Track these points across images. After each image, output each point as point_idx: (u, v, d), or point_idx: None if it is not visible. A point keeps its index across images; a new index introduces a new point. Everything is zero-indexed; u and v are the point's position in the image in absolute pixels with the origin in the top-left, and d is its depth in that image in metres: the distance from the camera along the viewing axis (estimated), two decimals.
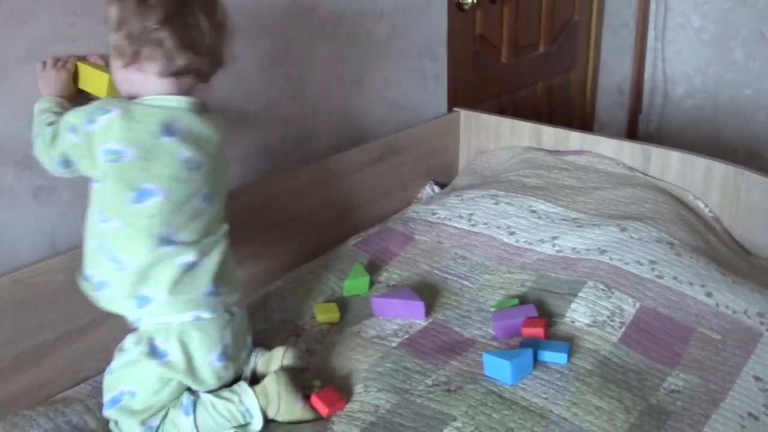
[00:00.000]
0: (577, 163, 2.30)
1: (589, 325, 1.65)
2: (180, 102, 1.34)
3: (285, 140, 2.04)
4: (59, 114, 1.39)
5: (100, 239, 1.35)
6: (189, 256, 1.35)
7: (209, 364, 1.37)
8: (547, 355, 1.54)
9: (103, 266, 1.35)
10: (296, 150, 2.08)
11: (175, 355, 1.35)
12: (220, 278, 1.40)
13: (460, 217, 2.09)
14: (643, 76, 3.73)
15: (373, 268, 1.92)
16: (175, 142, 1.32)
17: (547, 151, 2.38)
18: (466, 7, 2.57)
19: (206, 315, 1.37)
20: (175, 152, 1.32)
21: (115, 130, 1.28)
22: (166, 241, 1.33)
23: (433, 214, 2.13)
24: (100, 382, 1.50)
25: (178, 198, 1.34)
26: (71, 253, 1.53)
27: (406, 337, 1.65)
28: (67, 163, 1.35)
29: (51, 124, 1.36)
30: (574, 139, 2.37)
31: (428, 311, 1.73)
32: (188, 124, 1.34)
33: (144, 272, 1.33)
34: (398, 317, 1.72)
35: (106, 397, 1.37)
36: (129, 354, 1.36)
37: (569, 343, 1.57)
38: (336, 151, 2.17)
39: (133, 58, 1.31)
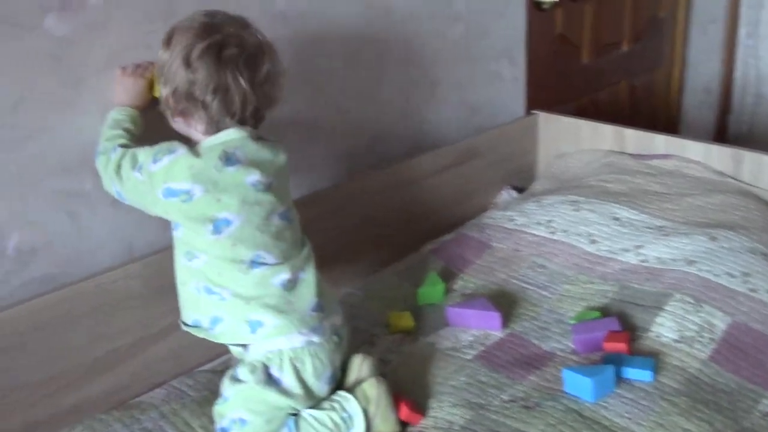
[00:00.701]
0: (662, 167, 2.20)
1: (676, 341, 1.56)
2: (236, 133, 1.35)
3: (358, 145, 2.02)
4: (129, 132, 1.41)
5: (195, 279, 1.36)
6: (284, 275, 1.36)
7: (320, 388, 1.38)
8: (631, 372, 1.46)
9: (207, 304, 1.36)
10: (369, 155, 2.06)
11: (290, 381, 1.34)
12: (321, 293, 1.40)
13: (539, 223, 2.03)
14: (732, 75, 3.55)
15: (447, 276, 1.88)
16: (239, 169, 1.33)
17: (631, 155, 2.29)
18: (545, 7, 2.50)
19: (317, 339, 1.37)
20: (241, 178, 1.33)
21: (178, 170, 1.30)
22: (257, 263, 1.34)
23: (511, 220, 2.07)
24: (175, 387, 1.51)
25: (257, 220, 1.35)
26: (148, 260, 1.54)
27: (482, 349, 1.60)
28: (122, 195, 1.38)
29: (121, 146, 1.38)
30: (660, 142, 2.27)
31: (505, 322, 1.68)
32: (248, 151, 1.35)
33: (246, 297, 1.34)
34: (473, 328, 1.67)
35: (217, 425, 1.37)
36: (245, 383, 1.35)
37: (654, 360, 1.49)
38: (410, 155, 2.13)
39: (180, 115, 1.35)
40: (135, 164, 1.34)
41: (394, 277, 1.88)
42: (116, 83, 1.47)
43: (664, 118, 3.30)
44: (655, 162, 2.22)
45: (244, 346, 1.38)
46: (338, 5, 1.86)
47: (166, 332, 1.58)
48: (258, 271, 1.34)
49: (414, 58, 2.10)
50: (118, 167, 1.36)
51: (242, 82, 1.31)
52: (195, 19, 1.34)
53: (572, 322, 1.67)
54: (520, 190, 2.40)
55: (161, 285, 1.53)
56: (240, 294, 1.34)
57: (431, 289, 1.79)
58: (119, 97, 1.46)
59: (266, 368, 1.34)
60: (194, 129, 1.36)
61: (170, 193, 1.30)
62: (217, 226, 1.32)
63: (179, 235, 1.37)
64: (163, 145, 1.33)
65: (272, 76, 1.37)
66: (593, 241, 1.93)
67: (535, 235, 2.00)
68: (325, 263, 1.80)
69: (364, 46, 1.96)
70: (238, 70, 1.31)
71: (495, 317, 1.66)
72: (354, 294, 1.79)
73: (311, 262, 1.43)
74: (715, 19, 3.39)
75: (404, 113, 2.12)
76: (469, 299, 1.77)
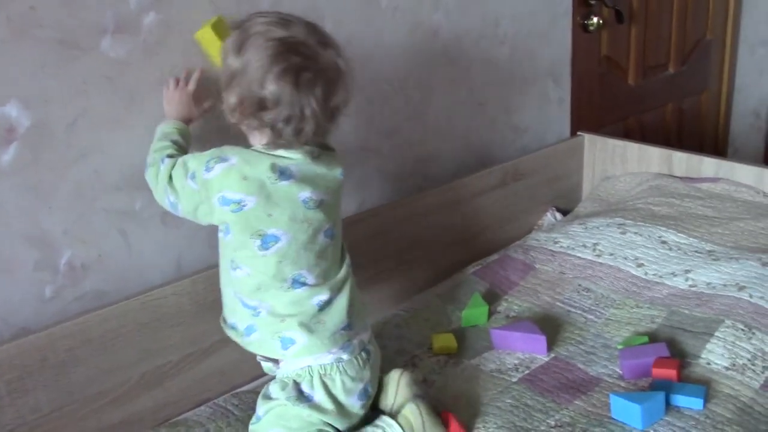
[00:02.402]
0: (711, 191, 2.16)
1: (727, 368, 1.53)
2: (297, 154, 1.32)
3: (405, 165, 2.03)
4: (177, 144, 1.41)
5: (234, 288, 1.36)
6: (323, 296, 1.35)
7: (352, 404, 1.37)
8: (681, 400, 1.43)
9: (243, 314, 1.36)
10: (416, 175, 2.06)
11: (321, 397, 1.34)
12: (353, 312, 1.39)
13: (584, 246, 2.00)
14: None
15: (491, 298, 1.87)
16: (292, 184, 1.31)
17: (679, 177, 2.26)
18: (591, 29, 2.49)
19: (345, 356, 1.36)
20: (293, 194, 1.31)
21: (232, 179, 1.28)
22: (298, 283, 1.33)
23: (556, 242, 2.05)
24: (220, 406, 1.52)
25: (304, 238, 1.33)
26: (196, 277, 1.56)
27: (527, 372, 1.58)
28: (176, 207, 1.36)
29: (169, 156, 1.38)
30: (709, 165, 2.24)
31: (550, 346, 1.66)
32: (303, 168, 1.33)
33: (281, 315, 1.33)
34: (518, 351, 1.65)
35: None
36: (277, 400, 1.35)
37: (705, 387, 1.46)
38: (456, 175, 2.14)
39: (240, 122, 1.31)
40: (187, 172, 1.32)
41: (437, 298, 1.87)
42: (164, 99, 1.49)
43: (711, 141, 3.25)
44: (704, 185, 2.19)
45: (275, 361, 1.37)
46: (386, 28, 1.88)
47: (213, 350, 1.59)
48: (298, 291, 1.33)
49: (461, 80, 2.10)
50: (170, 177, 1.35)
51: (317, 108, 1.26)
52: (270, 31, 1.26)
53: (619, 347, 1.64)
54: (564, 212, 2.38)
55: (209, 302, 1.55)
56: (276, 311, 1.33)
57: (475, 311, 1.78)
58: (167, 111, 1.48)
59: (297, 385, 1.34)
60: (255, 137, 1.33)
61: (225, 201, 1.28)
62: (265, 242, 1.30)
63: (227, 240, 1.34)
64: (215, 152, 1.30)
65: (345, 102, 1.32)
66: (640, 265, 1.90)
67: (580, 257, 1.98)
68: (369, 283, 1.82)
69: (412, 68, 1.97)
70: (314, 97, 1.25)
71: (540, 340, 1.64)
72: (398, 314, 1.79)
73: (349, 281, 1.41)
74: (763, 42, 3.34)
75: (451, 134, 2.12)
76: (514, 322, 1.75)
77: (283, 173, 1.30)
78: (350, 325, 1.37)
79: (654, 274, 1.87)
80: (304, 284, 1.34)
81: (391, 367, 1.61)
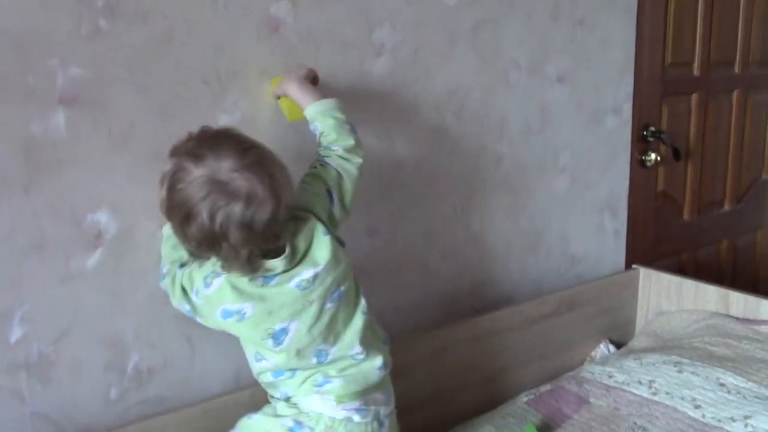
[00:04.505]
0: None
1: None
2: (273, 265, 1.30)
3: (461, 288, 2.05)
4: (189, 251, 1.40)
5: (262, 378, 1.42)
6: (354, 350, 1.38)
7: None
8: None
9: (281, 379, 1.40)
10: (471, 298, 2.08)
11: None
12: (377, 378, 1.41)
13: (640, 383, 1.98)
14: None
15: (544, 430, 1.84)
16: (279, 279, 1.31)
17: (736, 318, 2.24)
18: (649, 164, 2.54)
19: (357, 418, 1.37)
20: (284, 287, 1.31)
21: (227, 292, 1.30)
22: (324, 355, 1.36)
23: (610, 376, 2.03)
24: None
25: (312, 317, 1.34)
26: (257, 388, 1.57)
27: None
28: (194, 316, 1.40)
29: (182, 266, 1.38)
30: (767, 307, 2.21)
31: None
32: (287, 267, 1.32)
33: (318, 369, 1.37)
34: None
35: None
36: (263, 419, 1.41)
37: None
38: (511, 301, 2.15)
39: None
40: (192, 288, 1.35)
41: (489, 425, 1.85)
42: None
43: (766, 280, 3.22)
44: (762, 328, 2.16)
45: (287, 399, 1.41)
46: (452, 154, 1.95)
47: None
48: (322, 363, 1.37)
49: (520, 207, 2.15)
50: (183, 290, 1.37)
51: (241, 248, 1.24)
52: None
53: None
54: (618, 344, 2.36)
55: None
56: (296, 394, 1.38)
57: None
58: None
59: (299, 421, 1.36)
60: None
61: (227, 314, 1.32)
62: (277, 337, 1.33)
63: (244, 343, 1.42)
64: (209, 268, 1.32)
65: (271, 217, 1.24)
66: (697, 407, 1.87)
67: (635, 394, 1.95)
68: (418, 406, 1.82)
69: (474, 193, 2.03)
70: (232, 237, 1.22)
71: None
72: None
73: (369, 336, 1.42)
74: None
75: (508, 260, 2.15)
76: None
77: (266, 275, 1.30)
78: (385, 364, 1.42)
79: (712, 417, 1.83)
80: (328, 355, 1.37)
81: None
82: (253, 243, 1.23)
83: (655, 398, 1.92)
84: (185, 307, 1.39)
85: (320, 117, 1.47)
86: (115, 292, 1.44)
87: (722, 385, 1.92)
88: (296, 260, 1.31)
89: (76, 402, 1.43)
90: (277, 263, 1.29)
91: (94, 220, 1.39)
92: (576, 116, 2.26)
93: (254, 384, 1.59)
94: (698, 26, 2.66)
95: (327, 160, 1.45)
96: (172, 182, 1.22)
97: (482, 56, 1.98)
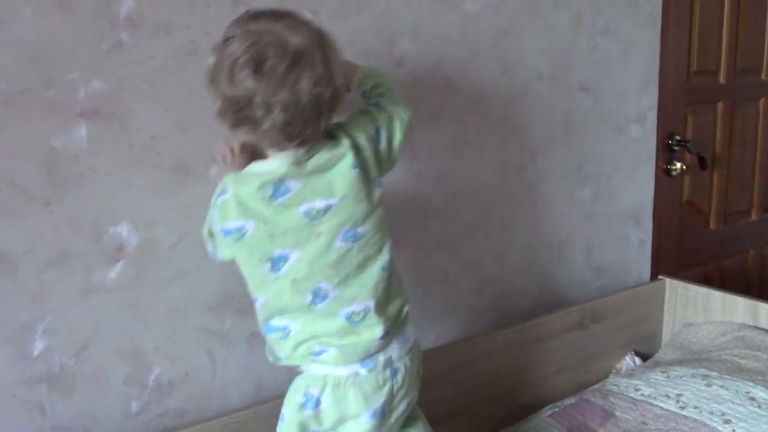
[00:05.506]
0: None
1: None
2: (279, 164, 1.22)
3: (484, 300, 2.03)
4: None
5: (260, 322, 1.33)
6: (354, 306, 1.27)
7: (360, 423, 1.29)
8: None
9: (273, 337, 1.31)
10: (494, 310, 2.06)
11: (327, 406, 1.28)
12: (391, 324, 1.31)
13: (667, 396, 1.94)
14: None
15: None
16: (287, 200, 1.22)
17: (765, 330, 2.19)
18: (674, 173, 2.51)
19: (363, 371, 1.28)
20: (291, 210, 1.23)
21: (231, 208, 1.23)
22: (320, 297, 1.26)
23: (636, 390, 2.00)
24: None
25: (316, 250, 1.24)
26: (277, 401, 1.56)
27: None
28: (215, 250, 1.33)
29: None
30: None
31: None
32: (294, 178, 1.23)
33: (311, 332, 1.27)
34: None
35: None
36: (286, 401, 1.33)
37: None
38: (534, 313, 2.13)
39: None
40: (209, 220, 1.30)
41: None
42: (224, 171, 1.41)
43: None
44: None
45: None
46: (475, 165, 1.94)
47: None
48: (320, 306, 1.26)
49: (543, 218, 2.13)
50: (210, 234, 1.32)
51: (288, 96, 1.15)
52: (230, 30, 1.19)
53: None
54: (644, 356, 2.32)
55: None
56: (304, 330, 1.27)
57: None
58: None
59: (307, 390, 1.29)
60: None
61: (226, 232, 1.25)
62: (276, 263, 1.24)
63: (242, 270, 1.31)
64: (218, 187, 1.28)
65: (323, 79, 1.17)
66: (727, 421, 1.83)
67: (663, 408, 1.91)
68: (442, 420, 1.79)
69: (497, 204, 2.01)
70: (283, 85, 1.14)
71: None
72: None
73: (384, 281, 1.30)
74: None
75: (531, 271, 2.13)
76: None
77: (276, 191, 1.22)
78: (382, 344, 1.29)
79: None
80: (325, 297, 1.26)
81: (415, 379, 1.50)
82: (291, 110, 1.15)
83: (683, 412, 1.88)
84: (208, 247, 1.33)
85: (372, 76, 1.43)
86: (136, 304, 1.44)
87: (752, 399, 1.88)
88: (307, 164, 1.22)
89: (96, 415, 1.43)
90: (290, 153, 1.22)
91: (115, 233, 1.40)
92: (599, 126, 2.23)
93: (275, 397, 1.59)
94: (724, 33, 2.63)
95: (378, 100, 1.38)
96: (227, 38, 1.16)
97: (504, 66, 1.96)
